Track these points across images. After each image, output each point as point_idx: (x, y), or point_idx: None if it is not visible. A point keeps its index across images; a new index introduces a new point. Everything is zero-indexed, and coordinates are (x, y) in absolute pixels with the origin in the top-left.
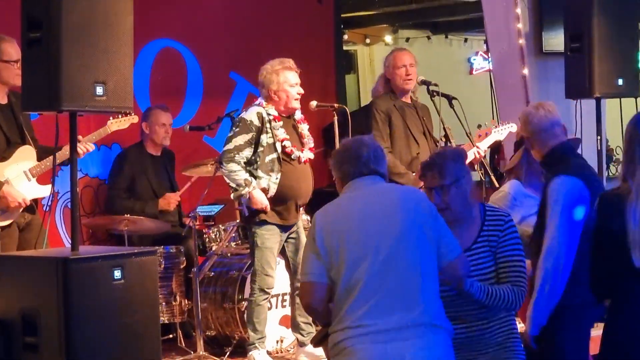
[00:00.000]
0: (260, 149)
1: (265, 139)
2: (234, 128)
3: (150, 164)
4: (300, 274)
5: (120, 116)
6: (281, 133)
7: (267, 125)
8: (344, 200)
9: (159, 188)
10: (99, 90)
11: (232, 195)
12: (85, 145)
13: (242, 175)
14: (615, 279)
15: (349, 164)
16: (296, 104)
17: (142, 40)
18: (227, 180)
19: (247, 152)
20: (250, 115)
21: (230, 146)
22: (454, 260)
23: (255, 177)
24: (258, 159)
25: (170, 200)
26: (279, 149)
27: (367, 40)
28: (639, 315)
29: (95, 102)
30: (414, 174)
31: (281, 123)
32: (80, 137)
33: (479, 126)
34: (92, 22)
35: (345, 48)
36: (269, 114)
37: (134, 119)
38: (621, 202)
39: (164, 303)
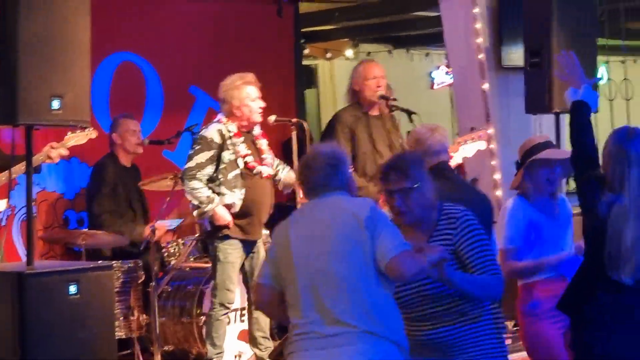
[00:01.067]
0: (222, 165)
1: (227, 155)
2: (194, 146)
3: (125, 176)
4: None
5: (78, 131)
6: (243, 149)
7: (228, 142)
8: (295, 214)
9: (135, 201)
10: (56, 104)
11: (194, 213)
12: (59, 151)
13: (204, 192)
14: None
15: (305, 184)
16: (258, 118)
17: (101, 54)
18: (190, 198)
19: (209, 170)
20: (211, 132)
21: (192, 164)
22: (391, 259)
23: (219, 194)
24: (220, 176)
25: (160, 233)
26: (241, 165)
27: (328, 55)
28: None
29: (51, 116)
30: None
31: (242, 139)
32: (55, 143)
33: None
34: (49, 35)
35: (306, 62)
36: (229, 131)
37: (93, 134)
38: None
39: (121, 318)
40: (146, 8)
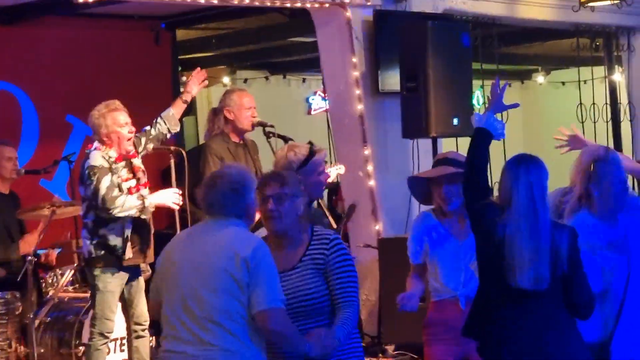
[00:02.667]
0: None
1: (114, 180)
2: (92, 178)
3: (1, 203)
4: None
5: None
6: (124, 174)
7: (113, 166)
8: (183, 235)
9: (13, 228)
10: None
11: (142, 216)
12: None
13: (130, 199)
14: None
15: (204, 201)
16: (129, 145)
17: None
18: (128, 213)
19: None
20: (97, 160)
21: (103, 191)
22: (260, 311)
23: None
24: None
25: (30, 244)
26: (125, 190)
27: (205, 82)
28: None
29: None
30: None
31: (123, 164)
32: None
33: None
34: None
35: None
36: (110, 157)
37: None
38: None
39: None
40: (20, 36)
